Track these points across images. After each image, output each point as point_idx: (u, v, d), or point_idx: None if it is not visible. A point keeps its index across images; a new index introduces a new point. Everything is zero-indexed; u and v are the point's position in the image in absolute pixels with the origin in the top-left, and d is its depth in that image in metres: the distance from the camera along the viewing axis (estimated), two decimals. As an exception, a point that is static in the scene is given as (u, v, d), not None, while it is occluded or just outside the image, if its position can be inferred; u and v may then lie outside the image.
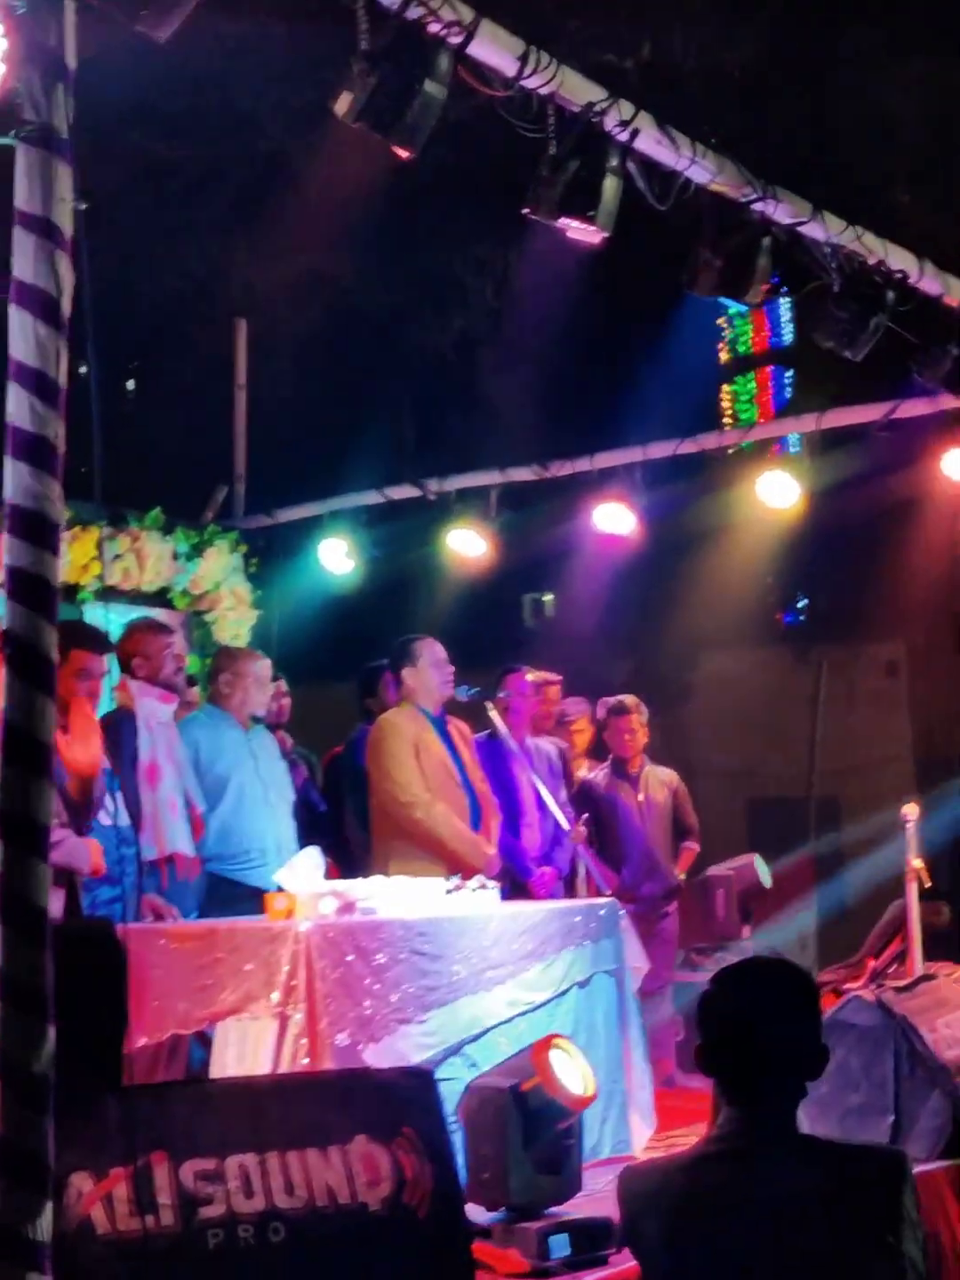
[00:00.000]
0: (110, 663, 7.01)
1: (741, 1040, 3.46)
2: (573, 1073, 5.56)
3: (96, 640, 6.84)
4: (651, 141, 6.47)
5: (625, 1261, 4.91)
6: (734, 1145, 3.45)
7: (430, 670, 7.99)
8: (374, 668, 8.98)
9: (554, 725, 9.84)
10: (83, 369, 4.26)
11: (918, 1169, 4.06)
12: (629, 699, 9.70)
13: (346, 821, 8.83)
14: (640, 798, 9.55)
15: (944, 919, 8.86)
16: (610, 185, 6.32)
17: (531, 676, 9.09)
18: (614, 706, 9.70)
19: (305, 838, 7.87)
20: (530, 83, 6.02)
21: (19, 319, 4.05)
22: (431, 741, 7.91)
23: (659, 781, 9.68)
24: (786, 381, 22.11)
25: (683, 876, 9.71)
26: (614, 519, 10.37)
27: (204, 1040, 6.33)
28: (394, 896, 6.56)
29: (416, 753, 7.81)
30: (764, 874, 10.16)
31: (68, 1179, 4.12)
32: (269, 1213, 4.32)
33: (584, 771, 9.90)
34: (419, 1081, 4.92)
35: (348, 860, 8.31)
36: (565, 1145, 5.59)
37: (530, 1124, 5.46)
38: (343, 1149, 4.53)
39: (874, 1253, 3.30)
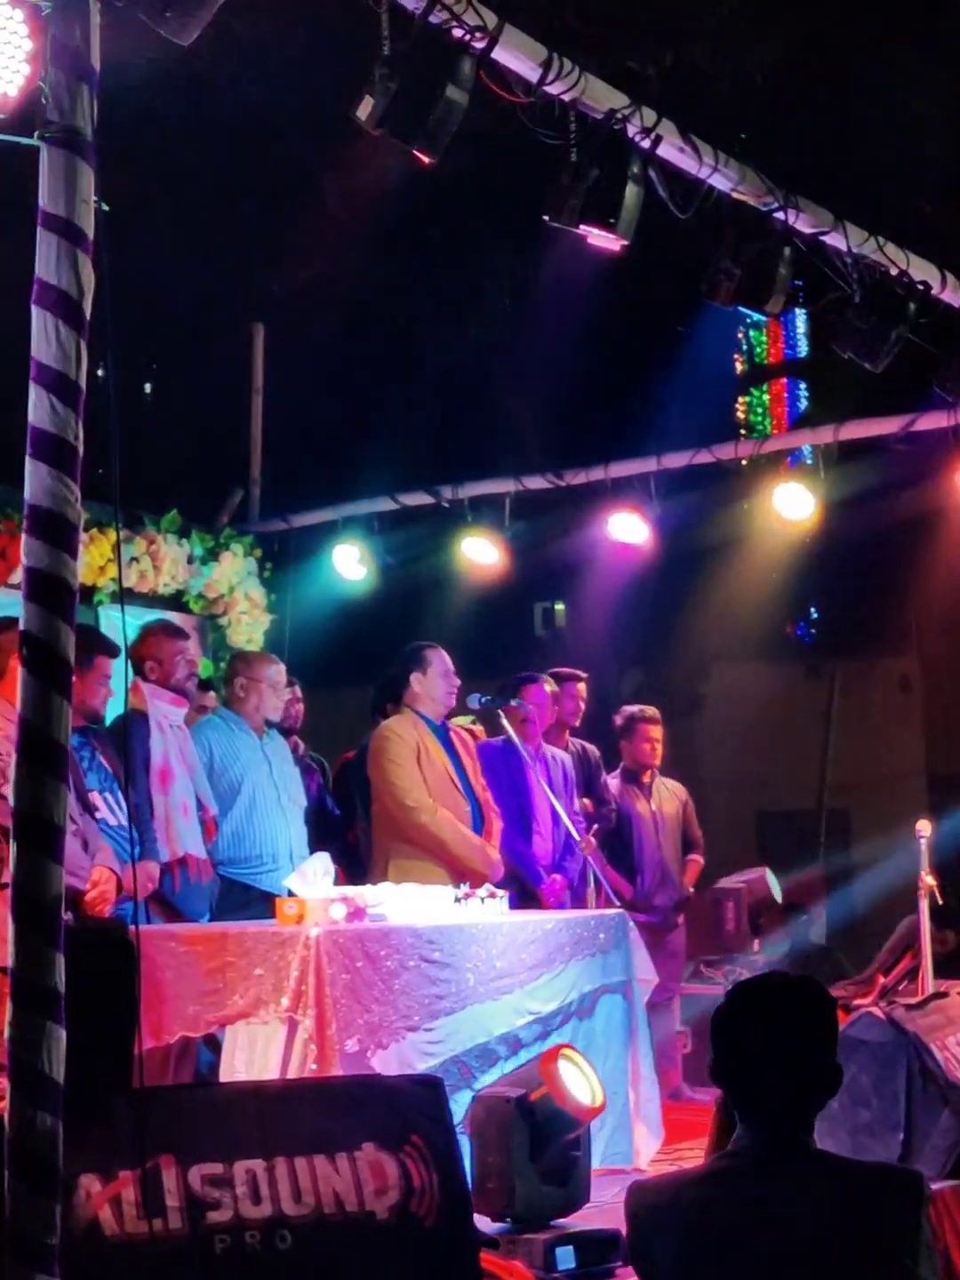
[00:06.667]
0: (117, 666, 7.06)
1: (757, 1056, 3.40)
2: (581, 1083, 5.52)
3: (109, 645, 7.01)
4: (673, 149, 6.48)
5: (631, 1276, 4.87)
6: (748, 1162, 3.39)
7: (438, 679, 7.94)
8: (397, 675, 8.78)
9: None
10: (100, 372, 4.25)
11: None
12: (651, 709, 9.66)
13: (357, 827, 8.80)
14: (652, 808, 9.50)
15: (950, 946, 8.77)
16: (631, 193, 6.31)
17: (549, 688, 8.99)
18: (637, 714, 9.61)
19: (317, 843, 7.86)
20: (552, 89, 6.02)
21: (40, 319, 4.04)
22: (433, 748, 7.86)
23: (669, 793, 9.63)
24: (801, 393, 22.13)
25: (692, 889, 9.68)
26: (628, 529, 10.35)
27: (212, 1044, 6.33)
28: (404, 903, 6.54)
29: (418, 759, 7.77)
30: (775, 887, 10.13)
31: (77, 1180, 4.10)
32: (276, 1219, 4.30)
33: None
34: (428, 1090, 4.88)
35: (357, 865, 8.29)
36: (572, 1156, 5.56)
37: (537, 1134, 5.42)
38: (351, 1156, 4.50)
39: (889, 1276, 3.23)
